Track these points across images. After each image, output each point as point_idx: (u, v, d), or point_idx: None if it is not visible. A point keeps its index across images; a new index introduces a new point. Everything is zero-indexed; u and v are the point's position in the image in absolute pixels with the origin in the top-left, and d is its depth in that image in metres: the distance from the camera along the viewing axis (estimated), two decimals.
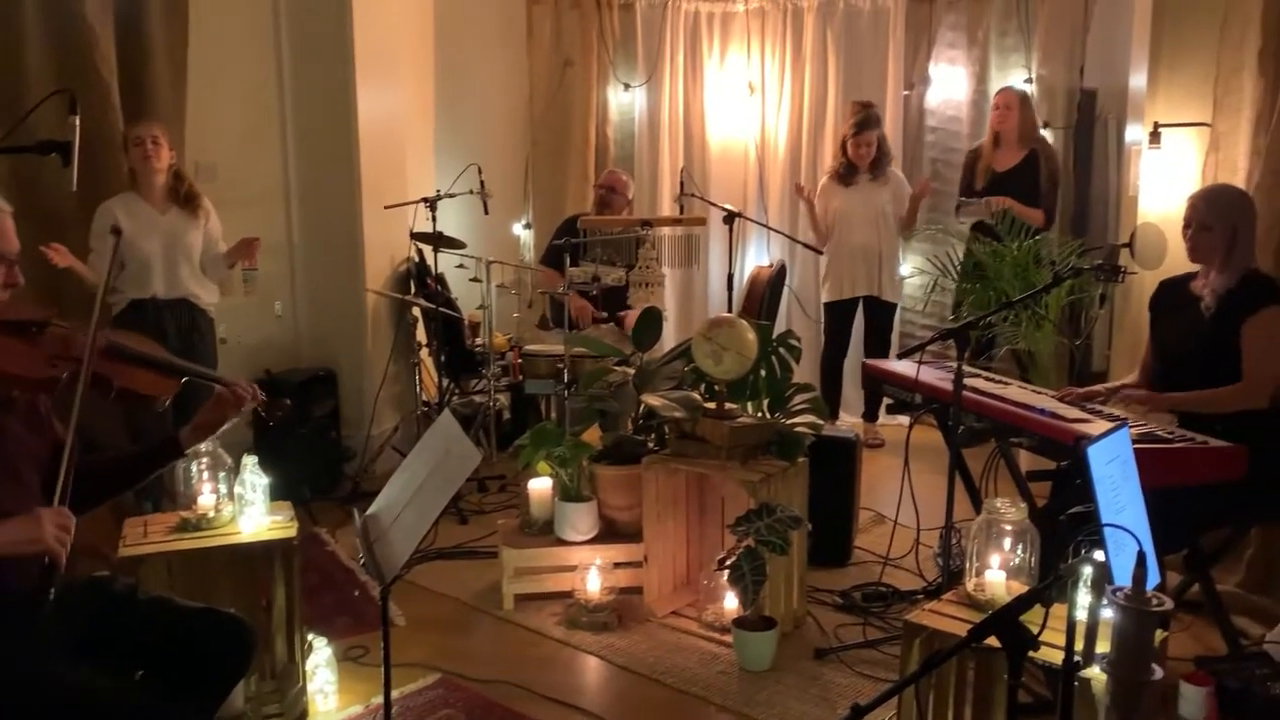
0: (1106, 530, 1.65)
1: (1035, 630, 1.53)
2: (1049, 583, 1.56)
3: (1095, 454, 1.81)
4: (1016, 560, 2.28)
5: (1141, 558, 1.47)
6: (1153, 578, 1.82)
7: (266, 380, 4.69)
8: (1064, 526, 2.53)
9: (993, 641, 1.57)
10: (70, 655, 1.98)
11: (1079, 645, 1.58)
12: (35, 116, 3.94)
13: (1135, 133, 4.34)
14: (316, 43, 4.92)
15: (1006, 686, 1.60)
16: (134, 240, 3.92)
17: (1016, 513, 2.28)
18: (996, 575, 2.29)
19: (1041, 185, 5.19)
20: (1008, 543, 2.28)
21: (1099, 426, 2.82)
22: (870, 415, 5.66)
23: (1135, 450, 2.57)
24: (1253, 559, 3.41)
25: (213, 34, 4.63)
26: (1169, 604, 1.50)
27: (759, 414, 3.57)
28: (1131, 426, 2.87)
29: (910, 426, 3.46)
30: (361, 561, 2.16)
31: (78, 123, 2.14)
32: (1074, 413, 3.00)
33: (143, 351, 2.41)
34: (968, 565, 2.34)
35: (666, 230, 4.85)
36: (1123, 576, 1.61)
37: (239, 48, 4.84)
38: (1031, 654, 1.52)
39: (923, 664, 1.80)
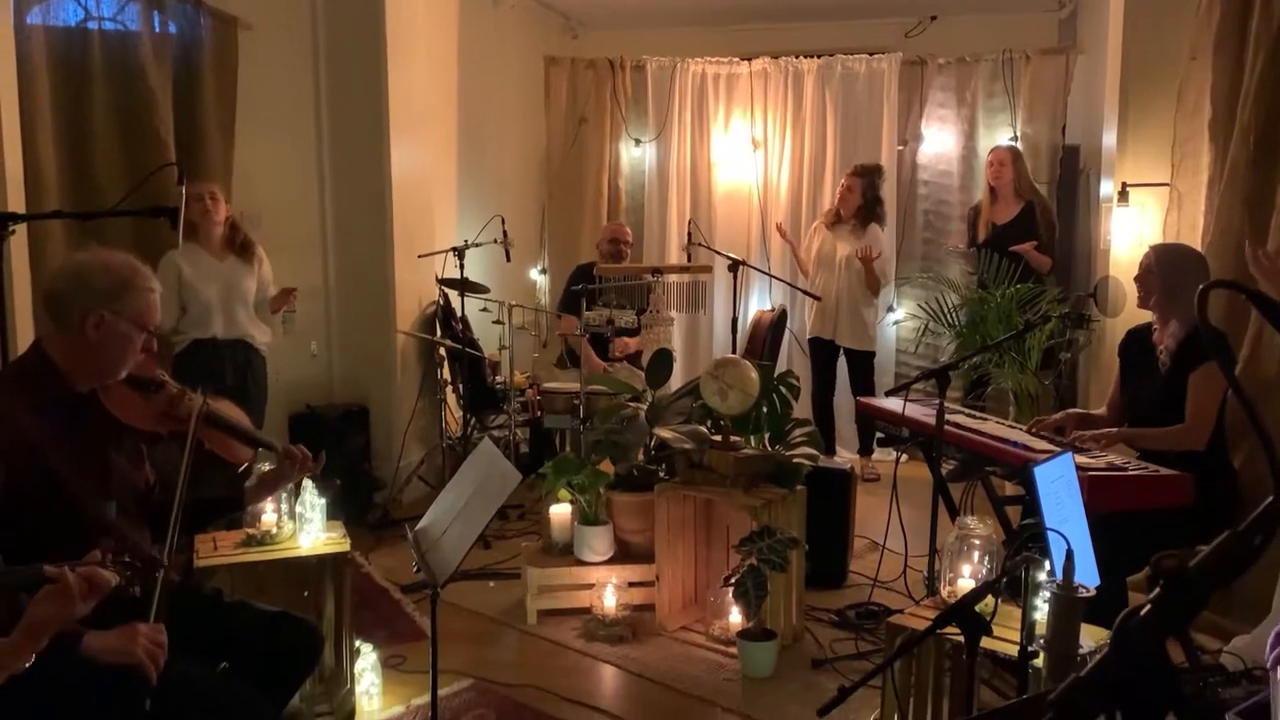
0: (1050, 534, 1.98)
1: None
2: (997, 577, 1.90)
3: (1042, 473, 2.15)
4: (985, 570, 2.62)
5: (1070, 554, 1.81)
6: (1091, 579, 2.16)
7: (307, 413, 5.05)
8: (1015, 534, 2.86)
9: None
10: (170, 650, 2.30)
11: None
12: (99, 175, 4.38)
13: (1107, 190, 4.71)
14: (353, 103, 5.29)
15: (966, 665, 1.93)
16: (195, 286, 4.25)
17: (984, 528, 2.62)
18: (967, 583, 2.62)
19: (1041, 234, 5.52)
20: (976, 555, 2.62)
21: None
22: (865, 450, 5.98)
23: (1095, 477, 2.94)
24: None
25: (258, 95, 5.01)
26: (1092, 591, 1.83)
27: (761, 446, 3.91)
28: (1095, 457, 3.22)
29: (898, 459, 3.80)
30: (415, 569, 2.49)
31: (184, 191, 2.49)
32: (1042, 445, 3.33)
33: (234, 421, 2.74)
34: (942, 575, 2.67)
35: (675, 277, 5.20)
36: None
37: (282, 108, 5.21)
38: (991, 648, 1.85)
39: (898, 648, 2.13)
